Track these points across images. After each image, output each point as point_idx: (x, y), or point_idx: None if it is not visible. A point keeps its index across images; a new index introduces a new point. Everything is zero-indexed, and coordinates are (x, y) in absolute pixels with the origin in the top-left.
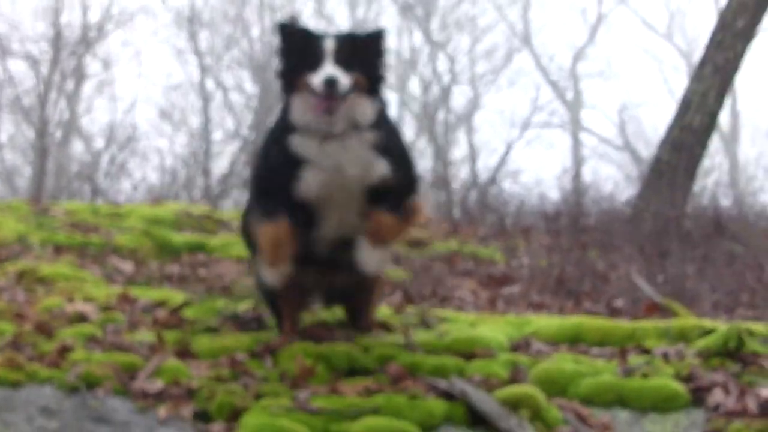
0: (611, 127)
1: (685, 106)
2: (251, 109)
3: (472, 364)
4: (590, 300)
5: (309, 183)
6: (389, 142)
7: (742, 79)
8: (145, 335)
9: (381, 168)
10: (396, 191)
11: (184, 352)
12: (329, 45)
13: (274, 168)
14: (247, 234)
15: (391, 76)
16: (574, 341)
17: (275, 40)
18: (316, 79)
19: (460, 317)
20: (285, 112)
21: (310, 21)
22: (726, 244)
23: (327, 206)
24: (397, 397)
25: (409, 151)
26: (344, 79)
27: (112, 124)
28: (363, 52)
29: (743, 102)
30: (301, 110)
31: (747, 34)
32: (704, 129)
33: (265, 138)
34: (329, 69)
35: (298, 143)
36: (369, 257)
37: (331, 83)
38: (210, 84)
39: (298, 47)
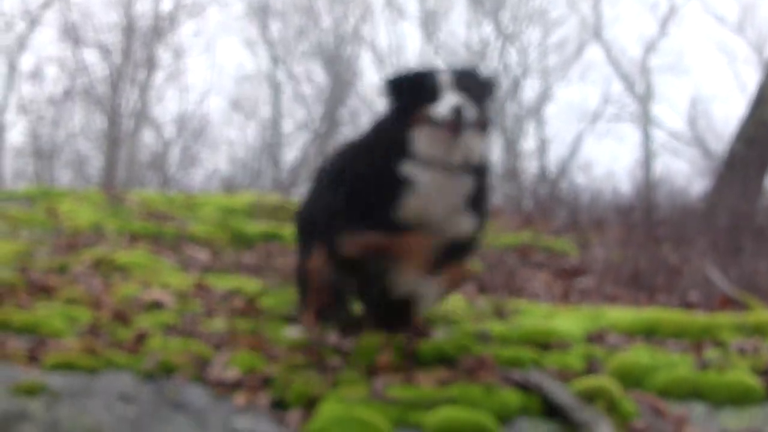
0: (681, 121)
1: (758, 100)
2: (321, 100)
3: (548, 356)
4: (664, 293)
5: (411, 208)
6: (483, 189)
7: None
8: (222, 323)
9: (468, 225)
10: (472, 245)
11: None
12: (446, 77)
13: (382, 187)
14: (304, 230)
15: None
16: (649, 334)
17: (385, 92)
18: (441, 107)
19: (534, 309)
20: (400, 142)
21: (381, 14)
22: None
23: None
24: (473, 388)
25: (489, 196)
26: (469, 108)
27: (183, 114)
28: (477, 88)
29: None
30: (424, 142)
31: None
32: None
33: (367, 156)
34: (453, 97)
35: (411, 169)
36: (429, 296)
37: (458, 110)
38: (281, 75)
39: (411, 85)
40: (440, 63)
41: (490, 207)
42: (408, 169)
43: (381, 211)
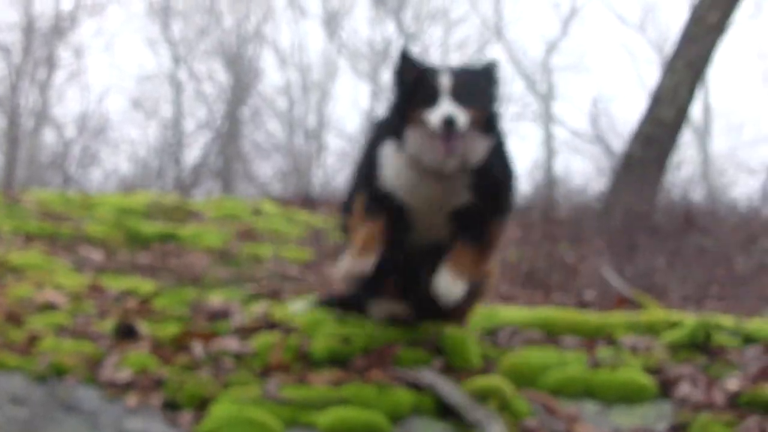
0: (584, 119)
1: (656, 100)
2: (223, 99)
3: (440, 355)
4: (560, 292)
5: (404, 195)
6: (492, 179)
7: (714, 73)
8: (114, 324)
9: (467, 196)
10: (482, 216)
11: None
12: (445, 80)
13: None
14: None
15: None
16: (543, 333)
17: (394, 67)
18: (434, 117)
19: None
20: (397, 135)
21: (284, 13)
22: (696, 238)
23: (417, 216)
24: (366, 388)
25: (509, 183)
26: (462, 117)
27: (83, 114)
28: (478, 86)
29: (715, 96)
30: (416, 144)
31: (718, 29)
32: (675, 123)
33: (370, 143)
34: (447, 107)
35: (397, 171)
36: (447, 288)
37: (449, 123)
38: (182, 74)
39: (412, 79)
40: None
41: (504, 184)
42: (393, 168)
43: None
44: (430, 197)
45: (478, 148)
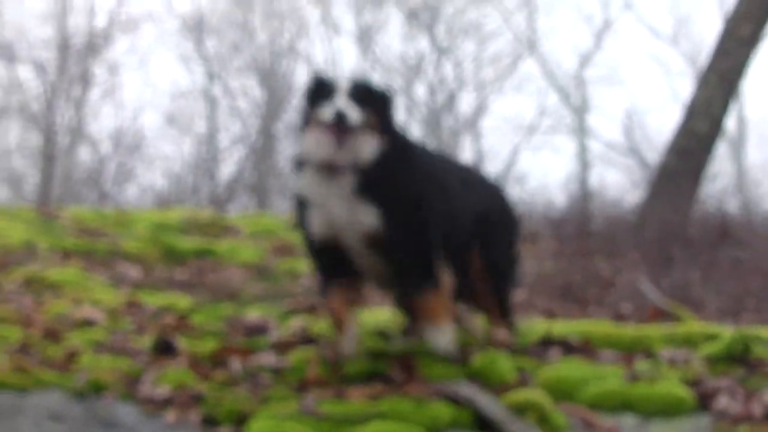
0: (617, 132)
1: (690, 112)
2: (257, 114)
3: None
4: (596, 305)
5: (313, 224)
6: (389, 184)
7: (749, 85)
8: (152, 340)
9: (370, 218)
10: (405, 251)
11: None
12: (342, 83)
13: (294, 208)
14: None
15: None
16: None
17: (304, 91)
18: (327, 111)
19: None
20: (298, 149)
21: (317, 29)
22: (731, 250)
23: (348, 249)
24: (403, 402)
25: (417, 202)
26: (354, 113)
27: (118, 130)
28: (370, 96)
29: (750, 108)
30: (310, 144)
31: (752, 41)
32: (709, 135)
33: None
34: (339, 102)
35: (303, 184)
36: (439, 339)
37: (340, 115)
38: (216, 90)
39: (315, 89)
40: (344, 75)
41: (412, 201)
42: (301, 183)
43: (302, 230)
44: (336, 210)
45: (370, 147)
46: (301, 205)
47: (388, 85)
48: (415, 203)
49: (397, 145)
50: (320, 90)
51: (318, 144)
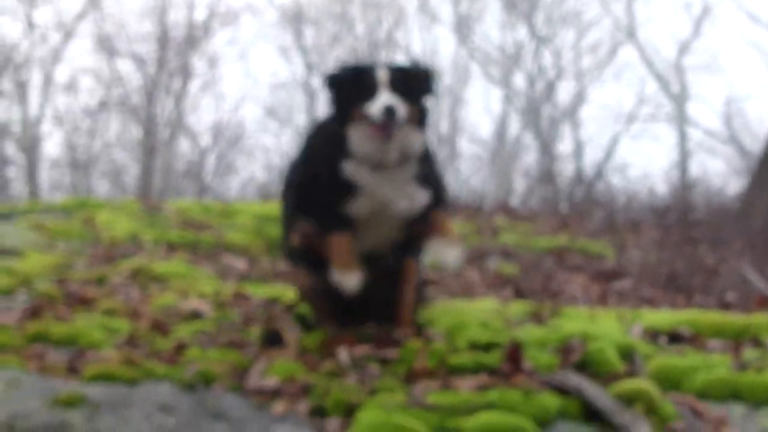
0: (717, 120)
1: None
2: None
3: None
4: (701, 294)
5: (359, 207)
6: (431, 173)
7: None
8: (261, 332)
9: (422, 198)
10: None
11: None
12: (383, 75)
13: (327, 189)
14: (287, 237)
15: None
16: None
17: (326, 88)
18: (374, 107)
19: (572, 312)
20: (338, 140)
21: (415, 19)
22: None
23: (368, 226)
24: (511, 393)
25: (443, 178)
26: (401, 108)
27: (218, 123)
28: (414, 84)
29: None
30: (359, 140)
31: None
32: None
33: (311, 158)
34: (387, 97)
35: (352, 170)
36: (448, 253)
37: (390, 111)
38: (315, 81)
39: (350, 80)
40: (380, 59)
41: (442, 180)
42: (349, 169)
43: (328, 211)
44: (389, 199)
45: (416, 141)
46: (342, 188)
47: (424, 66)
48: (442, 177)
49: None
50: (359, 81)
51: (367, 141)
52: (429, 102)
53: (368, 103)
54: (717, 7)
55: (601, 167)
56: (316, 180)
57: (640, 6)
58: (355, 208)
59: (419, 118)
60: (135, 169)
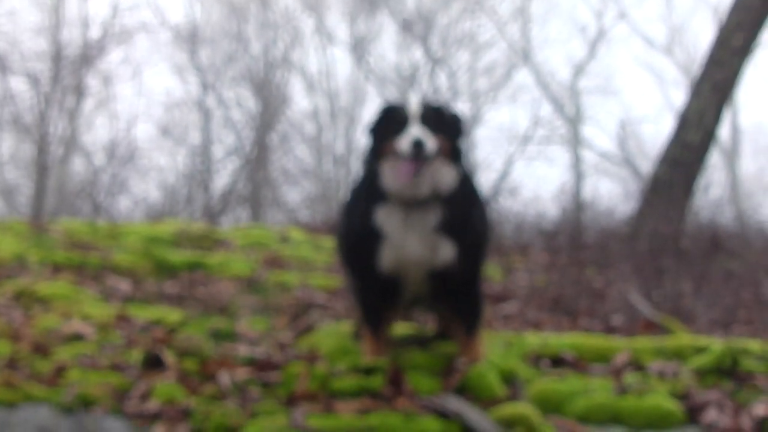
0: (612, 142)
1: (683, 122)
2: (251, 125)
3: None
4: (587, 318)
5: (387, 259)
6: (470, 217)
7: (743, 95)
8: (142, 355)
9: (447, 253)
10: (466, 283)
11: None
12: (414, 108)
13: (358, 241)
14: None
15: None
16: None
17: (367, 133)
18: (404, 141)
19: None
20: (371, 180)
21: (311, 39)
22: (723, 261)
23: (405, 278)
24: (393, 416)
25: (486, 223)
26: (430, 142)
27: (112, 141)
28: (444, 122)
29: (744, 117)
30: (390, 176)
31: (744, 51)
32: (702, 146)
33: (350, 202)
34: (415, 131)
35: (381, 217)
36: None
37: (418, 145)
38: (210, 101)
39: (384, 117)
40: (414, 99)
41: (482, 234)
42: (379, 216)
43: (363, 264)
44: (410, 249)
45: (448, 175)
46: (371, 238)
47: (457, 109)
48: (484, 237)
49: (466, 173)
50: (391, 118)
51: (397, 177)
52: (463, 142)
53: (398, 137)
54: (612, 31)
55: (496, 188)
56: (350, 232)
57: (536, 28)
58: (383, 261)
59: (452, 153)
60: (28, 188)
